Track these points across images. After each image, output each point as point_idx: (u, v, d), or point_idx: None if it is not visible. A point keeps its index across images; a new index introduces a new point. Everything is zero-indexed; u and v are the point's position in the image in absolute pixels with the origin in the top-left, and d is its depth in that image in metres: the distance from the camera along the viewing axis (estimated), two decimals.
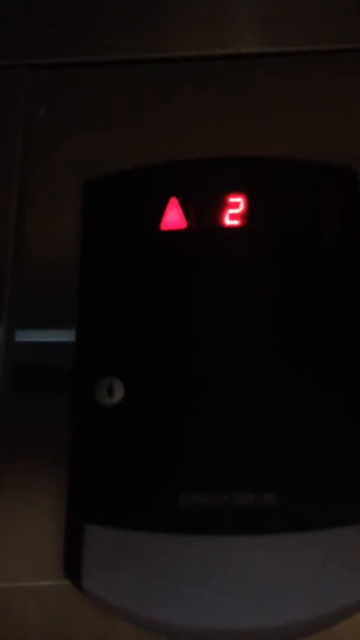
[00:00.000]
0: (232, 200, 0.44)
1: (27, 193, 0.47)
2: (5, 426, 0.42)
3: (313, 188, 0.44)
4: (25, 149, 0.48)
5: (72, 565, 0.38)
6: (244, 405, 0.40)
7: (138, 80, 0.49)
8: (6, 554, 0.40)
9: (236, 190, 0.44)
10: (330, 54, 0.49)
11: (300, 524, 0.38)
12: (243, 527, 0.38)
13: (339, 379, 0.41)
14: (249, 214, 0.44)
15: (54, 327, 0.44)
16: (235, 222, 0.44)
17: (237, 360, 0.41)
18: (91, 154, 0.47)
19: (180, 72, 0.49)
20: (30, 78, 0.50)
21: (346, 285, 0.43)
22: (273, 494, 0.39)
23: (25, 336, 0.44)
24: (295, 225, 0.44)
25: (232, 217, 0.44)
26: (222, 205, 0.44)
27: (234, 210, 0.44)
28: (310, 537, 0.38)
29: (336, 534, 0.38)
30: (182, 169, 0.46)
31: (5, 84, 0.49)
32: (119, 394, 0.41)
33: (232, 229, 0.44)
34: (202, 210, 0.44)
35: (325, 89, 0.48)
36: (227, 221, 0.44)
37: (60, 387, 0.42)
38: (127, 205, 0.45)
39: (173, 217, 0.44)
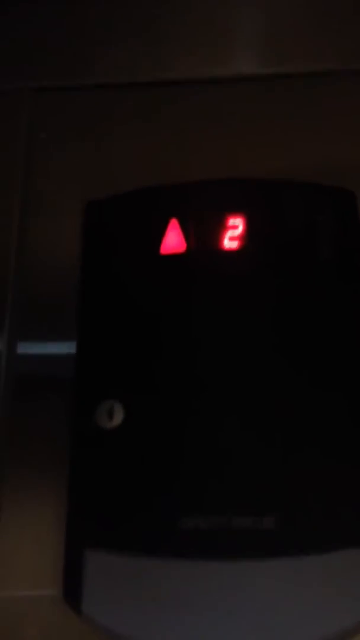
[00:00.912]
0: (231, 222, 0.44)
1: (29, 210, 0.47)
2: (7, 438, 0.42)
3: (311, 209, 0.44)
4: (27, 169, 0.49)
5: (72, 591, 0.38)
6: (244, 428, 0.40)
7: (139, 102, 0.50)
8: (5, 568, 0.40)
9: (235, 212, 0.44)
10: (328, 75, 0.49)
11: (300, 547, 0.38)
12: (243, 551, 0.38)
13: (340, 399, 0.41)
14: (248, 236, 0.44)
15: (55, 339, 0.44)
16: (235, 244, 0.44)
17: (237, 383, 0.41)
18: (91, 175, 0.48)
19: (181, 94, 0.49)
20: (31, 100, 0.50)
21: (346, 306, 0.43)
22: (273, 518, 0.38)
23: (27, 348, 0.45)
24: (295, 246, 0.44)
25: (232, 239, 0.44)
26: (222, 227, 0.44)
27: (234, 232, 0.44)
28: (311, 561, 0.38)
29: (337, 558, 0.38)
30: (182, 190, 0.46)
31: (8, 107, 0.50)
32: (119, 416, 0.41)
33: (231, 250, 0.44)
34: (202, 232, 0.44)
35: (324, 109, 0.48)
36: (227, 243, 0.44)
37: (61, 399, 0.42)
38: (128, 226, 0.45)
39: (173, 239, 0.44)
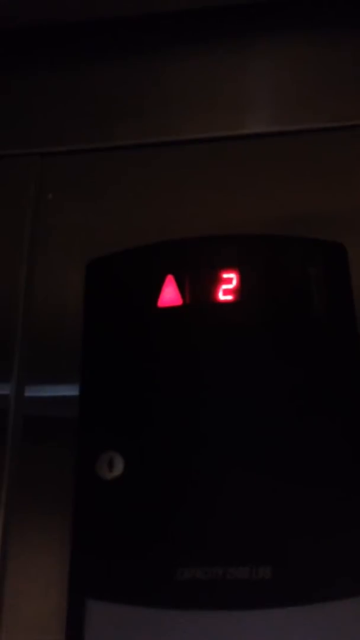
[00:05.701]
0: (225, 276, 0.45)
1: (36, 263, 0.50)
2: (16, 479, 0.44)
3: (303, 262, 0.45)
4: (34, 228, 0.51)
5: (74, 639, 0.39)
6: (240, 479, 0.41)
7: (138, 163, 0.52)
8: (12, 615, 0.41)
9: (229, 267, 0.46)
10: (322, 132, 0.51)
11: (295, 597, 0.39)
12: (239, 601, 0.39)
13: (334, 450, 0.41)
14: (243, 289, 0.45)
15: (61, 382, 0.46)
16: (229, 297, 0.45)
17: (234, 435, 0.42)
18: (94, 232, 0.50)
19: (178, 155, 0.52)
20: (39, 164, 0.53)
21: (337, 355, 0.43)
22: (268, 568, 0.39)
23: (35, 392, 0.47)
24: (287, 298, 0.45)
25: (226, 292, 0.45)
26: (216, 281, 0.45)
27: (228, 286, 0.45)
28: (306, 610, 0.38)
29: (332, 607, 0.38)
30: (177, 247, 0.47)
31: (17, 171, 0.53)
32: (118, 467, 0.42)
33: (225, 304, 0.45)
34: (197, 287, 0.45)
35: (317, 165, 0.50)
36: (221, 296, 0.45)
37: (69, 439, 0.44)
38: (126, 282, 0.47)
39: (169, 295, 0.45)
